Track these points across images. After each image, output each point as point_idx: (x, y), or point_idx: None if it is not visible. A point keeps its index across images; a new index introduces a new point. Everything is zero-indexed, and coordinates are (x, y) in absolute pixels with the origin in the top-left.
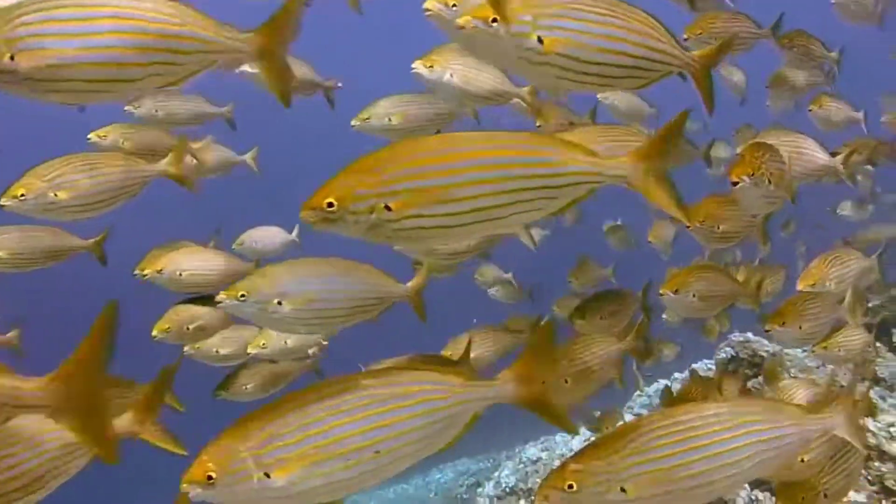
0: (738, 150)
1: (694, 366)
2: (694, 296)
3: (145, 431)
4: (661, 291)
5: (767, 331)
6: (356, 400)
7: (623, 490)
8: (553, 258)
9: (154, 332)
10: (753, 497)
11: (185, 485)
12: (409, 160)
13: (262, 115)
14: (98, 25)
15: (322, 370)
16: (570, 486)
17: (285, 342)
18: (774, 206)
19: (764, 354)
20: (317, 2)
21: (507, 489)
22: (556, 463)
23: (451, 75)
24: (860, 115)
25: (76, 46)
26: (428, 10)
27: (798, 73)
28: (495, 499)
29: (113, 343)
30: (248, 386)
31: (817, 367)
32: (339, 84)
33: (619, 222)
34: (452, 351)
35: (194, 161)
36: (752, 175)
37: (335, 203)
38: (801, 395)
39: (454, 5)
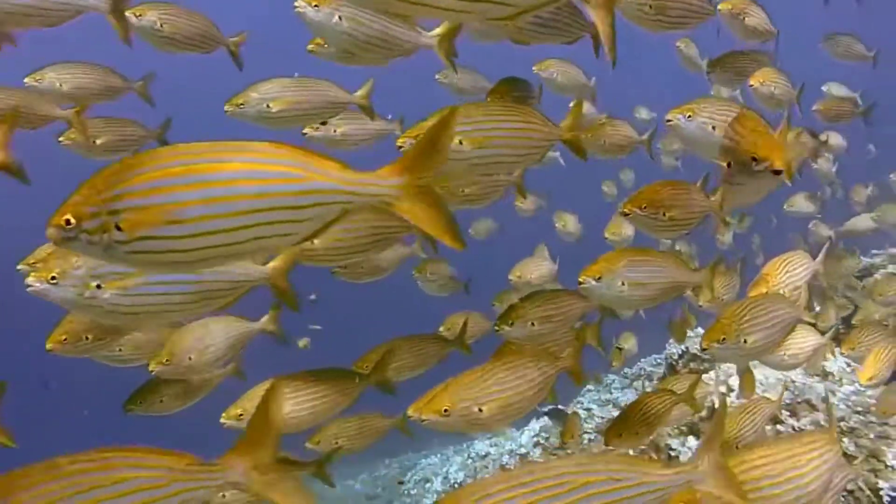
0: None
1: (642, 361)
2: (623, 284)
3: None
4: (580, 279)
5: (705, 349)
6: None
7: None
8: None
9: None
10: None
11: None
12: (141, 173)
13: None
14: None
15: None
16: None
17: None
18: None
19: None
20: None
21: (457, 484)
22: (505, 458)
23: (340, 18)
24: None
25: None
26: None
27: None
28: (443, 493)
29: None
30: (163, 399)
31: None
32: (243, 37)
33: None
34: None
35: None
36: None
37: (72, 221)
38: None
39: None
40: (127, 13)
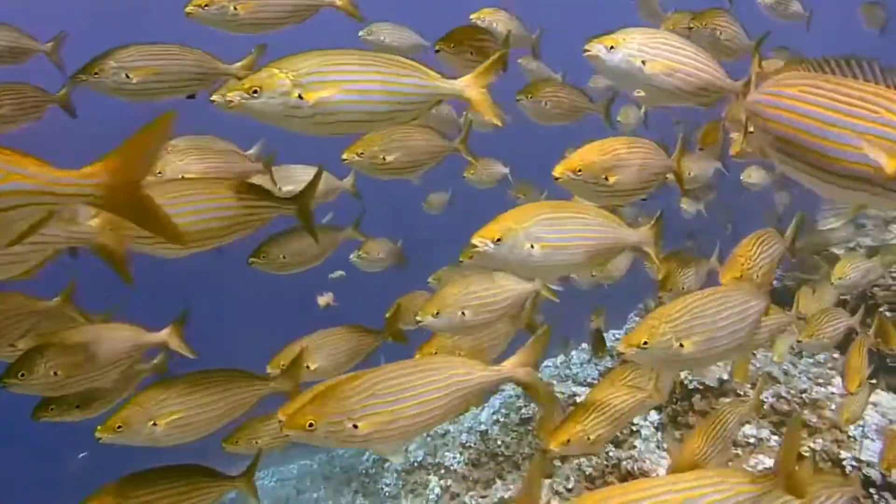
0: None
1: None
2: (532, 246)
3: None
4: (472, 241)
5: (621, 354)
6: None
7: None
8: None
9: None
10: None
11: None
12: None
13: None
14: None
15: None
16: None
17: None
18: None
19: None
20: None
21: (416, 463)
22: (464, 437)
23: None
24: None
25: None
26: None
27: None
28: (403, 473)
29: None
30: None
31: None
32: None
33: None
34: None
35: None
36: None
37: None
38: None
39: None
40: None
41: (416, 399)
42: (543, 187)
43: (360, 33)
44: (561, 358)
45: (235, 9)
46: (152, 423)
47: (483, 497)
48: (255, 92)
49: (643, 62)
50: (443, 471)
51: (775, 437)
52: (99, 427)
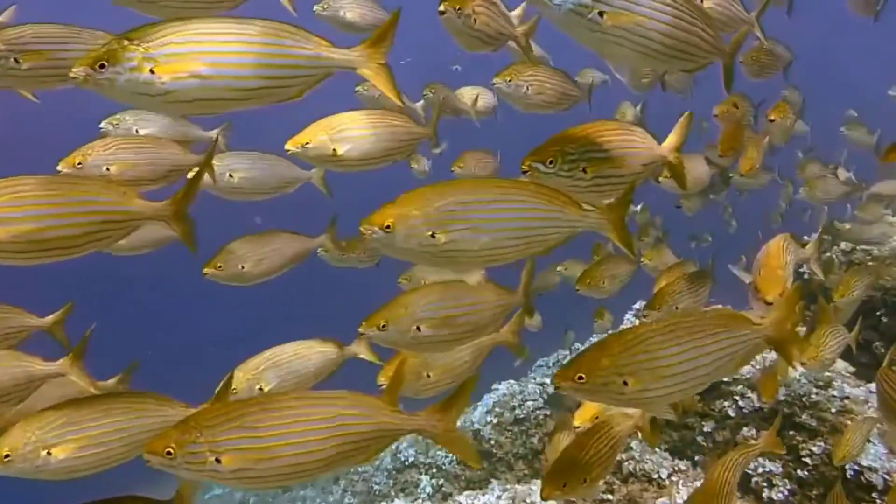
0: None
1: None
2: (432, 235)
3: None
4: (361, 227)
5: (557, 387)
6: None
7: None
8: None
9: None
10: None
11: None
12: None
13: None
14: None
15: None
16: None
17: None
18: None
19: None
20: None
21: (407, 463)
22: None
23: None
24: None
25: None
26: None
27: None
28: (394, 472)
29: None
30: None
31: None
32: None
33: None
34: None
35: None
36: None
37: None
38: None
39: None
40: None
41: (290, 439)
42: None
43: (315, 8)
44: (560, 355)
45: None
46: (46, 451)
47: (476, 497)
48: (102, 66)
49: (600, 13)
50: (434, 470)
51: None
52: None
